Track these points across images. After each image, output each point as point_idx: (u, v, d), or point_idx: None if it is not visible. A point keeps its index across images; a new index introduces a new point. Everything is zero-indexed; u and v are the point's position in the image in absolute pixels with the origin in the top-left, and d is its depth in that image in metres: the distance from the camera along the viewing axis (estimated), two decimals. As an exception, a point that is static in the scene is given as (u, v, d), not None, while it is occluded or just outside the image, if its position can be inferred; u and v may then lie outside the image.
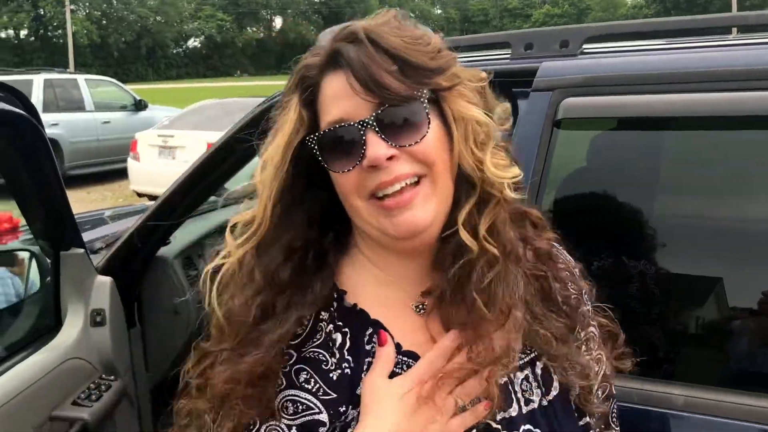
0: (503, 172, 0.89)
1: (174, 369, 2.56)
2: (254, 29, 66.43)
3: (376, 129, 0.85)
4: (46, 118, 11.75)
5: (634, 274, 1.52)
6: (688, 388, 1.37)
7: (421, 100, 0.86)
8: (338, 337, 0.92)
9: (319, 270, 0.94)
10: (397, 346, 0.92)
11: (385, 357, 0.90)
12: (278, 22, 68.26)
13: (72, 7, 46.88)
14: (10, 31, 52.95)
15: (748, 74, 1.42)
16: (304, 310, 0.91)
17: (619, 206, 1.61)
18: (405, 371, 0.90)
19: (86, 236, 2.57)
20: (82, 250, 1.99)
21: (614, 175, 1.67)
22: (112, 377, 1.96)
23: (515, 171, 0.90)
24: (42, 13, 51.41)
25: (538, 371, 0.95)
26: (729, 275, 1.46)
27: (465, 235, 0.87)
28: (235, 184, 2.26)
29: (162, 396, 2.33)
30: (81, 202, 9.18)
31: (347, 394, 0.90)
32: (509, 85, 1.69)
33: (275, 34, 66.17)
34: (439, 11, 75.96)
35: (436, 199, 0.88)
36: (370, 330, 0.93)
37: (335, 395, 0.89)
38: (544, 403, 0.93)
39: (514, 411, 0.91)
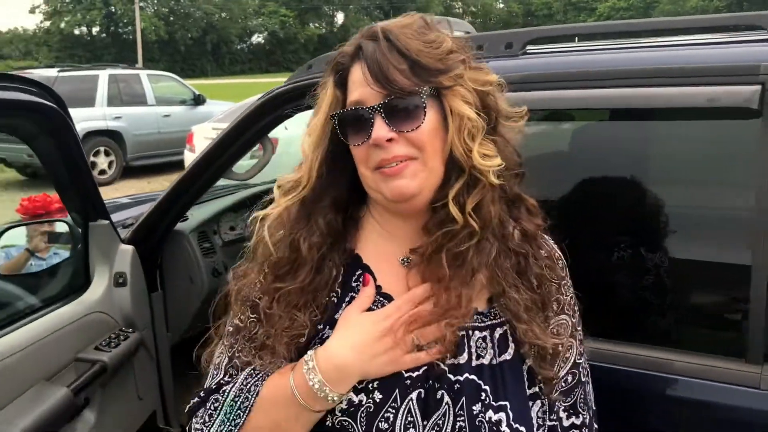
0: (488, 161, 1.04)
1: (189, 331, 2.91)
2: (316, 25, 67.19)
3: (383, 115, 1.03)
4: (110, 111, 12.43)
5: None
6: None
7: (421, 95, 1.03)
8: (334, 272, 1.12)
9: (346, 226, 1.16)
10: (378, 287, 1.11)
11: (364, 295, 1.09)
12: (340, 17, 68.96)
13: (141, 4, 48.47)
14: (84, 28, 55.08)
15: (650, 72, 1.66)
16: (335, 254, 1.12)
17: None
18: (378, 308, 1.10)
19: (125, 214, 2.95)
20: (107, 222, 2.33)
21: (540, 157, 1.93)
22: (131, 330, 2.31)
23: (498, 161, 1.06)
24: (113, 10, 53.21)
25: (497, 335, 1.09)
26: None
27: (453, 209, 1.04)
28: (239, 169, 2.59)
29: (180, 355, 2.67)
30: (141, 191, 9.68)
31: (328, 317, 1.10)
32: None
33: (336, 29, 66.75)
34: (501, 5, 75.21)
35: (424, 175, 1.05)
36: (359, 272, 1.13)
37: (320, 317, 1.10)
38: (494, 362, 1.07)
39: (462, 359, 1.06)
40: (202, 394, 1.14)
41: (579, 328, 1.18)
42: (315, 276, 1.09)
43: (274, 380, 1.07)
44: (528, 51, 1.94)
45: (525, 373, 1.09)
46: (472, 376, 1.05)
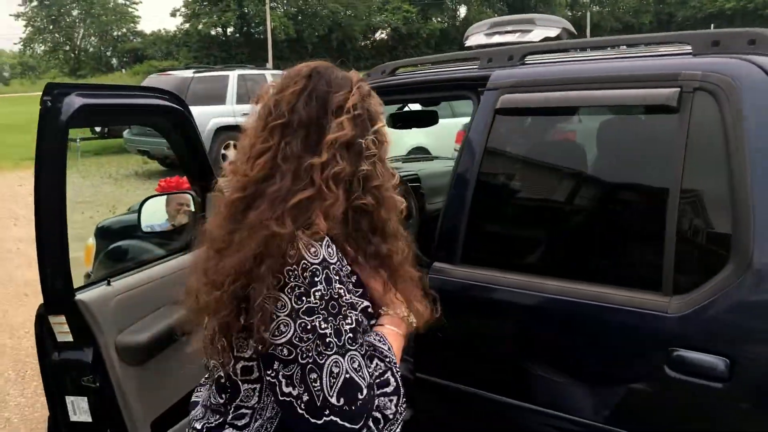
0: None
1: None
2: (439, 19, 67.63)
3: None
4: (239, 108, 13.61)
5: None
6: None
7: None
8: None
9: None
10: None
11: None
12: (462, 11, 69.04)
13: (271, 4, 50.91)
14: (219, 29, 58.48)
15: (599, 78, 2.21)
16: None
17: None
18: None
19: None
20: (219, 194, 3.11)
21: (527, 145, 2.52)
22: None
23: None
24: (246, 11, 56.18)
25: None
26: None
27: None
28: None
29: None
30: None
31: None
32: (477, 86, 2.55)
33: (459, 23, 66.88)
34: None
35: None
36: None
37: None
38: None
39: None
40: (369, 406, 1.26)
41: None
42: None
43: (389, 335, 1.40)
44: (526, 62, 2.51)
45: None
46: None
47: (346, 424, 1.21)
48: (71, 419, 2.41)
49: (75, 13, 63.76)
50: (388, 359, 1.35)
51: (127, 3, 64.94)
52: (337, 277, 1.25)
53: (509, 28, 3.07)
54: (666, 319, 1.91)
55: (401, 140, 9.98)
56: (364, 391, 1.23)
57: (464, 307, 2.34)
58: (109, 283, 2.48)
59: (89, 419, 2.38)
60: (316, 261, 1.23)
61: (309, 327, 1.21)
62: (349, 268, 1.35)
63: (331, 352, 1.22)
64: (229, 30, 58.92)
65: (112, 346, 2.39)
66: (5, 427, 4.08)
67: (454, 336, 2.44)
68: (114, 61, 64.67)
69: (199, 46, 56.39)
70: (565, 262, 2.29)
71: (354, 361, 1.24)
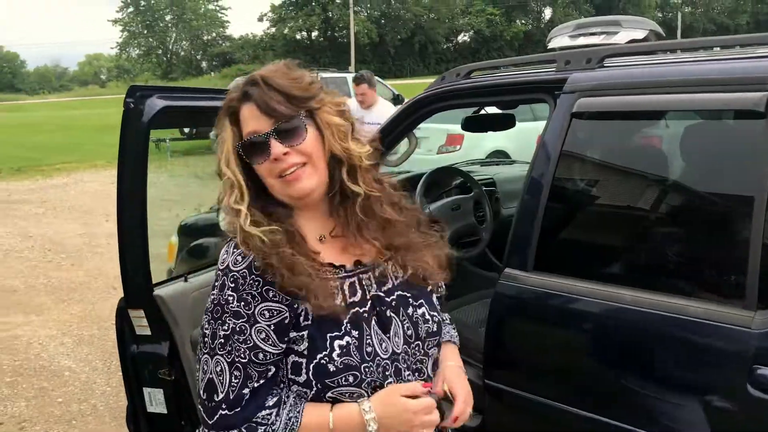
0: (361, 148, 1.41)
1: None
2: (522, 22, 66.80)
3: (275, 136, 1.33)
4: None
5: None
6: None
7: (300, 117, 1.35)
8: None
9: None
10: (322, 262, 1.40)
11: (413, 387, 1.38)
12: (547, 13, 67.94)
13: (355, 8, 51.50)
14: (304, 33, 59.64)
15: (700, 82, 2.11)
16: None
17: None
18: (328, 276, 1.38)
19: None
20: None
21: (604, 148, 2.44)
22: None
23: (367, 148, 1.42)
24: (330, 15, 57.08)
25: (399, 261, 1.46)
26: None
27: (353, 187, 1.40)
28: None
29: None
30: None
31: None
32: (553, 89, 2.49)
33: (543, 25, 65.84)
34: None
35: (316, 175, 1.37)
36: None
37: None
38: (405, 278, 1.47)
39: (390, 284, 1.46)
40: (224, 407, 1.32)
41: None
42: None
43: (308, 416, 1.34)
44: (605, 64, 2.43)
45: (426, 280, 1.50)
46: (399, 292, 1.46)
47: (206, 418, 1.33)
48: (148, 410, 2.50)
49: (168, 18, 66.34)
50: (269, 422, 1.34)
51: (217, 8, 67.11)
52: (233, 285, 1.33)
53: (594, 30, 2.99)
54: (749, 335, 1.81)
55: (480, 144, 9.87)
56: (221, 396, 1.32)
57: (535, 314, 2.30)
58: (186, 280, 2.56)
59: (164, 411, 2.47)
60: (221, 267, 1.36)
61: (203, 325, 1.38)
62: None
63: (205, 351, 1.35)
64: (314, 34, 59.94)
65: (187, 341, 2.46)
66: (91, 414, 4.28)
67: (524, 343, 2.40)
68: (204, 64, 67.01)
69: (284, 49, 57.64)
70: (641, 272, 2.21)
71: (218, 365, 1.33)
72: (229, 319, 1.32)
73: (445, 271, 1.54)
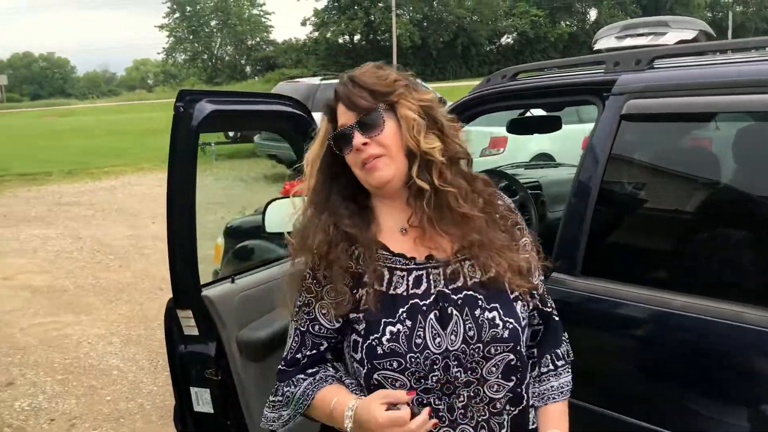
0: (430, 144, 1.45)
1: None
2: (567, 23, 66.05)
3: (358, 128, 1.45)
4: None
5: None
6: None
7: (379, 110, 1.45)
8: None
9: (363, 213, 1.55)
10: (392, 252, 1.50)
11: (400, 410, 1.36)
12: (593, 14, 67.03)
13: (398, 12, 51.59)
14: (346, 37, 59.99)
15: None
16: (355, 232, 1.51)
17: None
18: (397, 266, 1.48)
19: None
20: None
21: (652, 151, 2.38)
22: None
23: (438, 144, 1.46)
24: (372, 19, 57.28)
25: (481, 261, 1.48)
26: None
27: (419, 182, 1.45)
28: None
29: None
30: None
31: (357, 282, 1.48)
32: (602, 91, 2.45)
33: (589, 26, 64.98)
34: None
35: (393, 166, 1.45)
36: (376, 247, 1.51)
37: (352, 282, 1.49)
38: (483, 279, 1.47)
39: (460, 283, 1.47)
40: (283, 363, 1.56)
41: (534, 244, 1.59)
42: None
43: (322, 393, 1.49)
44: (655, 66, 2.39)
45: (507, 284, 1.49)
46: (470, 292, 1.47)
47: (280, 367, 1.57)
48: (195, 409, 2.53)
49: (213, 23, 67.38)
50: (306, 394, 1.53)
51: (261, 13, 67.93)
52: (311, 265, 1.50)
53: (641, 31, 2.94)
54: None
55: (525, 146, 9.79)
56: (284, 353, 1.57)
57: (583, 320, 2.26)
58: (233, 281, 2.59)
59: (211, 410, 2.50)
60: None
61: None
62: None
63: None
64: (356, 38, 60.21)
65: (234, 341, 2.49)
66: (138, 412, 4.36)
67: (575, 347, 2.36)
68: (248, 69, 67.88)
69: (326, 54, 58.05)
70: (693, 277, 2.16)
71: (289, 329, 1.56)
72: (304, 293, 1.51)
73: (527, 278, 1.53)
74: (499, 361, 1.46)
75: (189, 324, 2.44)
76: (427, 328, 1.44)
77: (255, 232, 4.35)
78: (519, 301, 1.51)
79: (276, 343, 2.60)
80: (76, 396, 4.66)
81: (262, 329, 2.58)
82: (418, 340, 1.42)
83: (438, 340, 1.43)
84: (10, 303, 6.70)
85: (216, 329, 2.45)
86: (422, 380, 1.43)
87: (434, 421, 1.40)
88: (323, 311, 1.49)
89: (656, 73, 2.34)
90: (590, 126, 2.48)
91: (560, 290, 2.27)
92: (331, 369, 1.56)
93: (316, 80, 14.07)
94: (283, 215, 3.42)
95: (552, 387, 1.62)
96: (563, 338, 1.69)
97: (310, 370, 1.54)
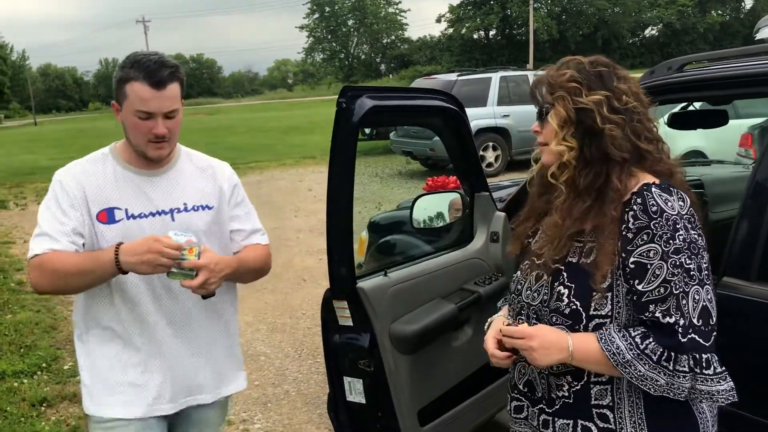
0: (556, 146, 1.65)
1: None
2: (719, 12, 61.98)
3: (537, 118, 1.71)
4: (499, 110, 13.68)
5: None
6: None
7: (545, 105, 1.67)
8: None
9: None
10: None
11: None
12: (749, 2, 62.48)
13: (535, 5, 50.54)
14: (481, 32, 59.46)
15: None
16: None
17: None
18: None
19: (502, 193, 3.75)
20: (487, 193, 3.14)
21: None
22: (500, 275, 3.08)
23: (561, 148, 1.63)
24: (509, 13, 56.44)
25: (586, 248, 1.60)
26: None
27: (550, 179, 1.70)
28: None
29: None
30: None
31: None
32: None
33: (743, 15, 60.66)
34: None
35: (550, 156, 1.67)
36: None
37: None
38: (579, 262, 1.60)
39: (559, 257, 1.64)
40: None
41: (674, 257, 1.50)
42: None
43: None
44: (684, 71, 2.24)
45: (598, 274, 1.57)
46: (560, 266, 1.63)
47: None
48: (347, 399, 2.59)
49: (350, 23, 68.96)
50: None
51: (397, 11, 68.73)
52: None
53: (809, 18, 2.72)
54: None
55: (674, 143, 9.26)
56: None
57: (760, 327, 2.10)
58: (386, 274, 2.63)
59: (363, 401, 2.54)
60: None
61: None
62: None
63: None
64: (491, 33, 59.56)
65: (386, 334, 2.52)
66: (285, 398, 4.54)
67: (748, 358, 2.21)
68: (383, 66, 68.95)
69: (461, 50, 57.82)
70: None
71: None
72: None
73: (602, 277, 1.57)
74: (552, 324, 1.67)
75: (344, 315, 2.50)
76: (523, 282, 1.77)
77: (398, 226, 4.40)
78: (610, 293, 1.58)
79: (427, 337, 2.61)
80: (228, 379, 4.91)
81: (414, 323, 2.60)
82: (518, 286, 1.80)
83: (527, 293, 1.73)
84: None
85: (369, 321, 2.49)
86: (517, 317, 1.76)
87: None
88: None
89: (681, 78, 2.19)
90: (748, 121, 2.32)
91: (732, 296, 2.13)
92: None
93: (453, 76, 14.06)
94: (429, 210, 3.47)
95: (611, 334, 1.56)
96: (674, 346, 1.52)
97: None
